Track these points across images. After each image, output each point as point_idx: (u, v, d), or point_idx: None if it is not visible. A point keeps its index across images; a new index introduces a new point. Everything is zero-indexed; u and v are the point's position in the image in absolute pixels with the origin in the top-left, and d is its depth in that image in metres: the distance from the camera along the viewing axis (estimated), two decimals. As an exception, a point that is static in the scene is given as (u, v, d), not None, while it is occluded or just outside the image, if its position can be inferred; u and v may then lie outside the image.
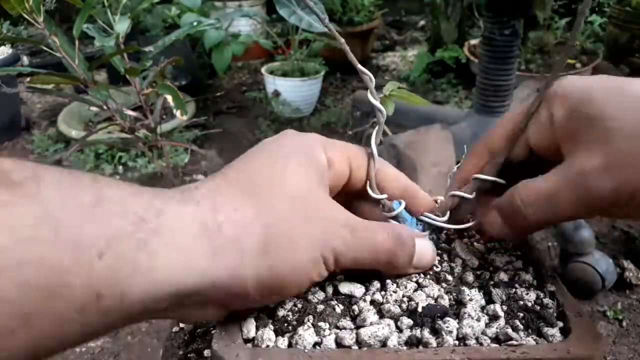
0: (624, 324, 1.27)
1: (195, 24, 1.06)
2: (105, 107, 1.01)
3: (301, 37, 2.42)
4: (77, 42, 0.92)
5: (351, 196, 0.39)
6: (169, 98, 1.01)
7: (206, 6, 2.43)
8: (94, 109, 1.04)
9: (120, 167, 2.06)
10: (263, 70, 2.47)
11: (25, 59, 2.56)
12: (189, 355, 0.40)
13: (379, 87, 0.37)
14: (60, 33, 0.91)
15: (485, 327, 0.32)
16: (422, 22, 3.65)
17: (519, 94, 1.91)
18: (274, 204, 0.32)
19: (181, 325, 0.43)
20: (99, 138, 1.73)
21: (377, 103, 0.37)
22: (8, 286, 0.22)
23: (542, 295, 0.35)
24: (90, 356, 1.27)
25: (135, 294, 0.26)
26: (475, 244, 0.41)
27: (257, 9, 2.94)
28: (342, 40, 0.37)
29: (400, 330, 0.33)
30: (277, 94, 2.36)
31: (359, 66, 0.37)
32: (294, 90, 2.37)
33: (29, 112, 2.56)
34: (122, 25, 0.97)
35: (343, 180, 0.37)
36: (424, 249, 0.37)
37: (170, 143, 1.61)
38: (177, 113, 1.02)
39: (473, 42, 2.59)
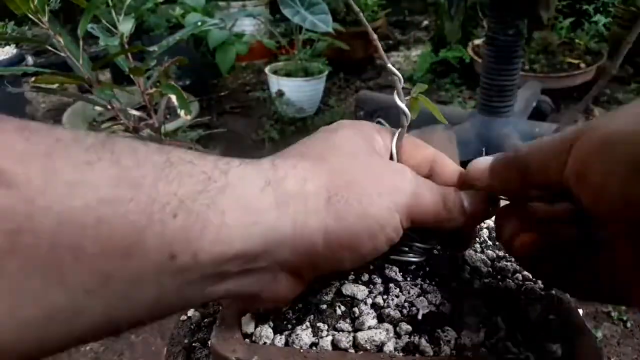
0: (629, 324, 1.27)
1: (199, 23, 1.06)
2: (109, 107, 1.01)
3: (305, 37, 2.42)
4: (81, 42, 0.92)
5: None
6: (173, 98, 1.01)
7: (210, 6, 2.43)
8: (98, 108, 1.04)
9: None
10: (267, 70, 2.47)
11: (29, 59, 2.56)
12: (193, 344, 0.40)
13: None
14: (65, 33, 0.91)
15: (486, 338, 0.32)
16: (425, 22, 3.64)
17: (523, 94, 1.91)
18: (334, 161, 0.31)
19: (188, 313, 0.44)
20: (103, 138, 1.73)
21: (403, 105, 0.36)
22: (89, 244, 0.22)
23: (547, 308, 0.34)
24: (95, 355, 1.27)
25: (207, 253, 0.26)
26: (486, 250, 0.41)
27: (260, 8, 2.94)
28: (375, 36, 0.36)
29: (398, 336, 0.32)
30: (280, 93, 2.36)
31: (390, 65, 0.36)
32: (297, 90, 2.37)
33: (34, 111, 2.57)
34: (126, 25, 0.97)
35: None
36: (471, 198, 0.35)
37: (174, 143, 1.61)
38: (181, 113, 1.03)
39: (477, 42, 2.58)
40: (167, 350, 0.39)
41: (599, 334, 1.23)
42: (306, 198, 0.29)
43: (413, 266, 0.38)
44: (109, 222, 0.23)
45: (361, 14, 0.36)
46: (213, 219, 0.26)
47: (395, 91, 0.36)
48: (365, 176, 0.31)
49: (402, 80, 0.36)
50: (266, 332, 0.32)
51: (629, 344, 1.22)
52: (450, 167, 0.37)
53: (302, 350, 0.30)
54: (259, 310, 0.33)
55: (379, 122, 0.38)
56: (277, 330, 0.32)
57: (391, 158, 0.36)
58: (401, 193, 0.31)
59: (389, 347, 0.31)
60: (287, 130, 2.31)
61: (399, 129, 0.37)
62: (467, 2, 1.88)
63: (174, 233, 0.25)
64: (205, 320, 0.44)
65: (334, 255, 0.30)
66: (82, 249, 0.22)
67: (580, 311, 0.35)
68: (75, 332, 0.23)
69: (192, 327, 0.42)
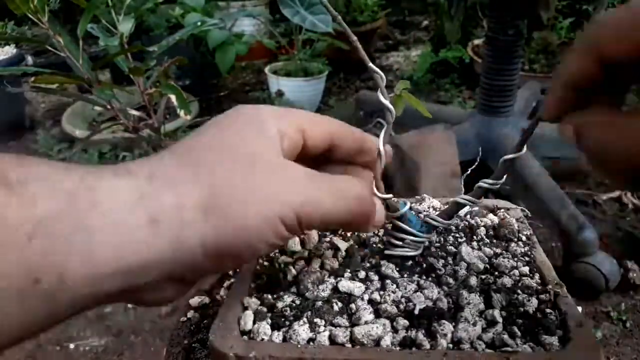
0: (628, 324, 1.27)
1: (199, 23, 1.06)
2: (109, 107, 1.01)
3: (305, 37, 2.42)
4: (81, 42, 0.92)
5: (309, 163, 0.35)
6: (173, 98, 1.01)
7: (210, 6, 2.43)
8: (97, 108, 1.04)
9: (124, 167, 2.06)
10: (266, 70, 2.47)
11: (29, 59, 2.56)
12: (193, 344, 0.41)
13: (386, 87, 0.37)
14: (65, 33, 0.91)
15: (482, 332, 0.32)
16: (425, 22, 3.64)
17: (523, 94, 1.91)
18: (216, 166, 0.30)
19: (188, 315, 0.44)
20: (103, 137, 1.73)
21: (387, 102, 0.36)
22: None
23: (544, 302, 0.35)
24: (94, 355, 1.27)
25: (75, 275, 0.25)
26: (483, 247, 0.41)
27: (260, 8, 2.94)
28: (355, 38, 0.36)
29: (395, 330, 0.32)
30: (280, 93, 2.36)
31: (371, 64, 0.36)
32: (297, 90, 2.37)
33: (33, 111, 2.57)
34: (126, 25, 0.97)
35: (297, 148, 0.35)
36: (378, 208, 0.36)
37: (174, 143, 1.61)
38: (181, 113, 1.03)
39: (477, 42, 2.58)
40: (167, 350, 0.39)
41: (599, 334, 1.23)
42: (182, 212, 0.28)
43: (409, 262, 0.38)
44: None
45: (339, 17, 0.36)
46: (79, 240, 0.25)
47: (379, 89, 0.36)
48: (246, 185, 0.30)
49: (385, 79, 0.37)
50: (264, 328, 0.32)
51: (628, 344, 1.22)
52: (351, 142, 0.36)
53: (299, 346, 0.31)
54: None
55: (378, 122, 0.38)
56: (275, 327, 0.33)
57: (379, 156, 0.37)
58: (288, 202, 0.30)
59: (386, 341, 0.31)
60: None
61: (384, 126, 0.37)
62: (467, 2, 1.88)
63: (34, 257, 0.24)
64: (205, 321, 0.44)
65: (214, 263, 0.29)
66: None
67: (579, 309, 0.35)
68: None
69: (192, 328, 0.43)
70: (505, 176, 0.37)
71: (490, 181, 0.37)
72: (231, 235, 0.29)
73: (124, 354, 1.28)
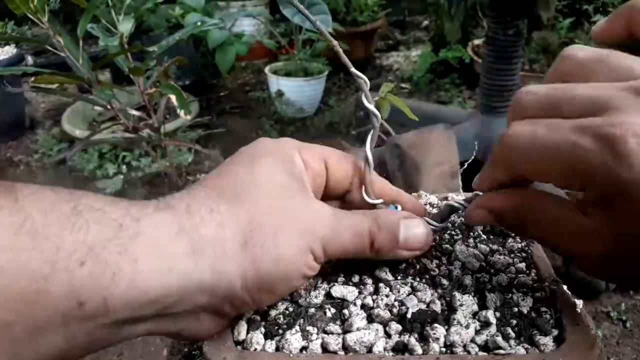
0: (628, 324, 1.27)
1: (199, 23, 1.06)
2: (109, 107, 1.01)
3: (305, 37, 2.42)
4: (81, 42, 0.92)
5: (332, 200, 0.38)
6: (173, 98, 1.01)
7: (210, 6, 2.43)
8: (97, 108, 1.04)
9: (124, 167, 2.06)
10: (266, 70, 2.48)
11: (29, 59, 2.56)
12: (193, 352, 0.41)
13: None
14: (65, 33, 0.91)
15: (476, 334, 0.32)
16: (425, 22, 3.65)
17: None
18: (252, 201, 0.31)
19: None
20: (103, 137, 1.73)
21: (371, 107, 0.36)
22: None
23: (540, 300, 0.34)
24: (94, 355, 1.27)
25: (118, 300, 0.26)
26: (479, 245, 0.41)
27: (260, 8, 2.95)
28: (336, 42, 0.36)
29: (388, 335, 0.32)
30: (280, 93, 2.37)
31: (353, 69, 0.36)
32: (297, 90, 2.37)
33: (33, 111, 2.57)
34: (126, 25, 0.97)
35: (322, 181, 0.37)
36: (414, 229, 0.36)
37: (173, 143, 1.61)
38: (181, 113, 1.03)
39: (477, 42, 2.58)
40: (167, 358, 0.39)
41: (599, 333, 1.23)
42: (222, 243, 0.29)
43: (403, 264, 0.38)
44: (7, 271, 0.23)
45: (318, 23, 0.36)
46: (124, 266, 0.26)
47: (363, 94, 0.36)
48: (281, 218, 0.31)
49: (369, 84, 0.37)
50: (257, 338, 0.32)
51: (628, 344, 1.22)
52: (410, 200, 0.39)
53: (291, 355, 0.31)
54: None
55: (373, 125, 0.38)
56: (268, 336, 0.33)
57: (367, 162, 0.37)
58: (317, 235, 0.32)
59: (378, 347, 0.31)
60: (287, 130, 2.31)
61: (371, 131, 0.37)
62: (467, 2, 1.88)
63: (82, 281, 0.25)
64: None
65: (252, 297, 0.30)
66: None
67: (580, 302, 0.35)
68: None
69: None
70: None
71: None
72: (269, 267, 0.30)
73: (123, 354, 1.28)
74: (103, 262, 0.25)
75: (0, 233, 0.23)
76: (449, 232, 0.42)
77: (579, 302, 0.35)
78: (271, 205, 0.32)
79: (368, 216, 0.34)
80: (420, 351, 0.31)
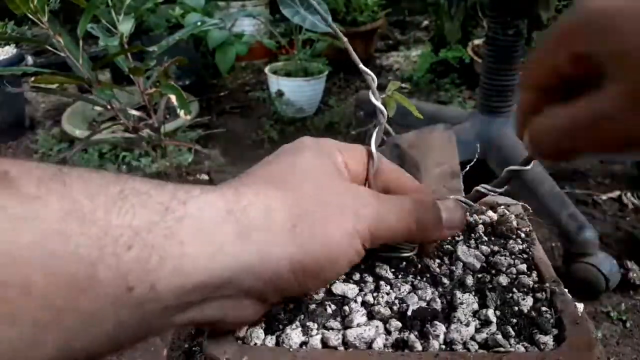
0: (628, 324, 1.27)
1: (198, 23, 1.06)
2: (109, 107, 1.01)
3: (305, 37, 2.42)
4: (81, 42, 0.92)
5: None
6: (173, 98, 1.01)
7: (210, 6, 2.43)
8: (98, 108, 1.04)
9: (124, 167, 2.06)
10: (266, 70, 2.47)
11: (29, 59, 2.56)
12: (193, 348, 0.41)
13: (383, 87, 0.37)
14: (65, 33, 0.91)
15: (476, 332, 0.32)
16: (425, 22, 3.64)
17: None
18: (298, 186, 0.32)
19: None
20: (103, 137, 1.73)
21: (378, 103, 0.37)
22: (38, 279, 0.22)
23: (540, 300, 0.35)
24: (94, 355, 1.27)
25: (166, 284, 0.26)
26: (480, 245, 0.41)
27: (260, 8, 2.94)
28: (346, 39, 0.37)
29: (389, 332, 0.32)
30: (280, 93, 2.36)
31: (362, 66, 0.36)
32: (297, 90, 2.37)
33: (33, 111, 2.57)
34: (126, 25, 0.97)
35: (360, 180, 0.37)
36: (450, 208, 0.36)
37: (173, 143, 1.61)
38: (181, 113, 1.03)
39: (477, 42, 2.58)
40: (167, 354, 0.39)
41: (598, 334, 1.23)
42: (270, 227, 0.29)
43: (404, 263, 0.38)
44: (58, 256, 0.23)
45: (330, 19, 0.36)
46: (171, 250, 0.26)
47: (370, 90, 0.37)
48: (327, 203, 0.31)
49: (376, 80, 0.37)
50: (257, 333, 0.32)
51: (628, 344, 1.22)
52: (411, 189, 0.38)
53: (291, 350, 0.31)
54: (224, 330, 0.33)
55: (379, 122, 0.38)
56: (268, 331, 0.33)
57: (371, 156, 0.37)
58: (363, 218, 0.31)
59: (378, 343, 0.31)
60: (287, 130, 2.31)
61: (377, 127, 0.38)
62: (467, 2, 1.88)
63: (130, 265, 0.25)
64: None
65: (299, 281, 0.30)
66: (32, 284, 0.22)
67: (581, 306, 0.35)
68: None
69: (192, 331, 0.43)
70: (506, 186, 0.37)
71: (489, 187, 0.37)
72: (317, 251, 0.30)
73: (123, 354, 1.28)
74: (149, 246, 0.25)
75: (49, 218, 0.23)
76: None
77: (580, 306, 0.35)
78: (317, 191, 0.32)
79: (409, 198, 0.35)
80: (420, 348, 0.31)
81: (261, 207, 0.30)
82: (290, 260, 0.29)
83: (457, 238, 0.41)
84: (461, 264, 0.38)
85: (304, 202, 0.31)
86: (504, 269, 0.38)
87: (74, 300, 0.23)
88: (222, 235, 0.28)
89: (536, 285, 0.36)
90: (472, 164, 0.51)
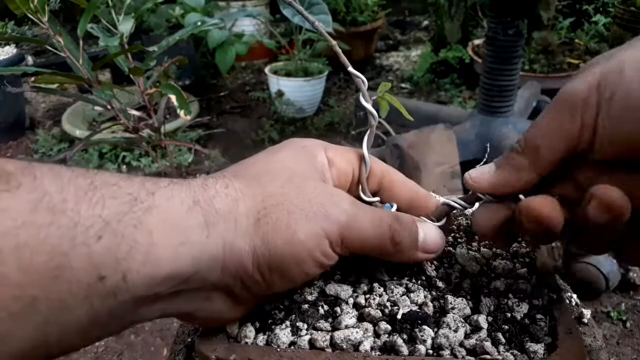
0: (628, 324, 1.27)
1: (199, 23, 1.06)
2: (109, 107, 1.01)
3: (305, 37, 2.42)
4: (81, 42, 0.92)
5: None
6: (173, 98, 1.01)
7: (210, 6, 2.43)
8: (98, 108, 1.04)
9: (124, 167, 2.06)
10: (266, 70, 2.47)
11: (29, 59, 2.56)
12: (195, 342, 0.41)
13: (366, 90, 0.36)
14: (65, 33, 0.91)
15: (465, 338, 0.31)
16: (425, 22, 3.65)
17: (523, 94, 1.91)
18: (268, 182, 0.32)
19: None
20: (103, 138, 1.73)
21: (369, 106, 0.36)
22: (10, 269, 0.23)
23: (536, 307, 0.34)
24: (94, 355, 1.27)
25: (136, 273, 0.26)
26: (482, 249, 0.40)
27: (260, 8, 2.95)
28: (334, 42, 0.37)
29: (377, 335, 0.32)
30: (280, 94, 2.36)
31: (351, 68, 0.36)
32: (297, 90, 2.37)
33: (33, 111, 2.57)
34: (126, 25, 0.97)
35: (347, 181, 0.37)
36: (429, 231, 0.35)
37: (173, 143, 1.61)
38: (181, 113, 1.03)
39: (477, 42, 2.58)
40: (171, 348, 0.39)
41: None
42: (236, 218, 0.29)
43: (400, 265, 0.37)
44: (29, 247, 0.23)
45: (317, 23, 0.36)
46: (140, 239, 0.26)
47: (361, 93, 0.36)
48: (296, 200, 0.31)
49: (367, 83, 0.37)
50: (248, 332, 0.32)
51: (628, 344, 1.22)
52: (403, 187, 0.38)
53: (278, 350, 0.31)
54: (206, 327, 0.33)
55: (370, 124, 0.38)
56: (260, 330, 0.33)
57: (364, 160, 0.37)
58: (333, 219, 0.31)
59: (365, 346, 0.31)
60: (287, 130, 2.31)
61: (368, 130, 0.37)
62: (467, 2, 1.88)
63: (101, 254, 0.25)
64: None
65: (264, 277, 0.30)
66: (5, 275, 0.23)
67: (588, 312, 0.35)
68: (3, 359, 0.24)
69: (195, 326, 0.43)
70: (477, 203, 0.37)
71: (458, 201, 0.37)
72: (279, 246, 0.30)
73: (123, 354, 1.28)
74: (119, 235, 0.26)
75: (19, 210, 0.24)
76: (452, 234, 0.41)
77: (587, 312, 0.34)
78: (288, 188, 0.32)
79: (389, 213, 0.34)
80: (406, 352, 0.30)
81: (228, 199, 0.30)
82: (254, 253, 0.29)
83: (459, 240, 0.41)
84: (459, 267, 0.38)
85: (272, 199, 0.31)
86: (503, 273, 0.37)
87: (46, 289, 0.24)
88: (188, 225, 0.28)
89: (534, 291, 0.35)
90: (481, 164, 0.51)
